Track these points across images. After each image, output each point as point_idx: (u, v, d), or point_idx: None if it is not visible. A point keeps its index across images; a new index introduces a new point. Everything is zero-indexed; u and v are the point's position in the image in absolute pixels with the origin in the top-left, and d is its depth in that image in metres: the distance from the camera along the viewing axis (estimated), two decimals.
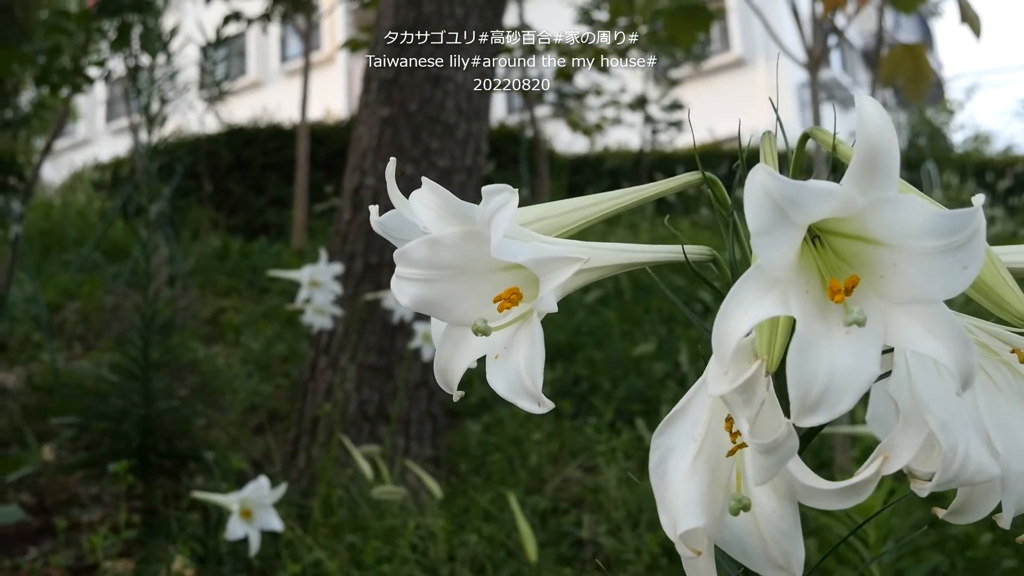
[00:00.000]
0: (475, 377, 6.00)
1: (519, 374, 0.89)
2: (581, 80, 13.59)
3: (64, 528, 3.67)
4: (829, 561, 2.96)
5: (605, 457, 4.58)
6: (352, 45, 10.40)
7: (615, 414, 5.47)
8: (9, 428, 5.12)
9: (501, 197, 0.88)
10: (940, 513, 0.88)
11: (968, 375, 0.75)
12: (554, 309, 0.89)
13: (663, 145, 14.39)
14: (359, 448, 3.92)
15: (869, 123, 0.76)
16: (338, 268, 4.12)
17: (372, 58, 5.30)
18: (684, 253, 1.03)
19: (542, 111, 14.63)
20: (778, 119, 1.09)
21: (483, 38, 5.19)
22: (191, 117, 11.90)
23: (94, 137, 30.63)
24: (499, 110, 23.27)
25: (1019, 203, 12.04)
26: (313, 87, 11.37)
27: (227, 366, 6.15)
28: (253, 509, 2.98)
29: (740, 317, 0.78)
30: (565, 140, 15.24)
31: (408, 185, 3.82)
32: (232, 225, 12.34)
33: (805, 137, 1.06)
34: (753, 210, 0.75)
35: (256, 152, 13.52)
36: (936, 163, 12.27)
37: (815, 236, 0.85)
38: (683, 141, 14.22)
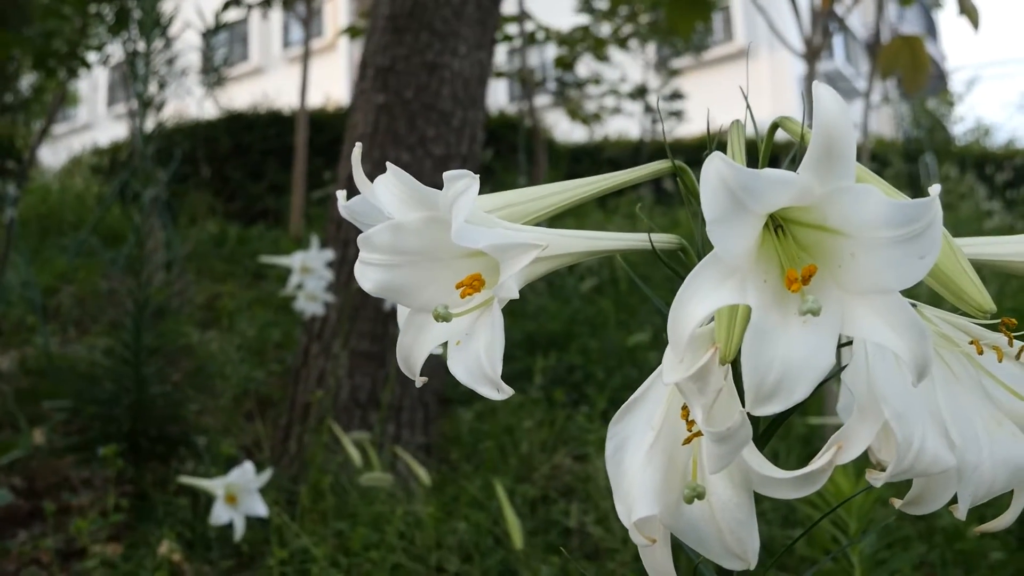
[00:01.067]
0: None
1: (479, 360, 0.89)
2: (582, 69, 13.56)
3: (53, 512, 3.66)
4: (814, 552, 2.97)
5: (595, 446, 4.58)
6: (352, 32, 10.39)
7: (608, 403, 5.47)
8: (1, 411, 5.12)
9: (462, 183, 0.88)
10: (897, 503, 0.88)
11: (923, 366, 0.75)
12: (515, 295, 0.88)
13: (662, 135, 14.33)
14: (349, 435, 3.92)
15: (825, 112, 0.76)
16: (329, 255, 4.13)
17: (368, 44, 5.28)
18: (651, 241, 1.03)
19: (542, 100, 14.60)
20: (748, 108, 1.08)
21: (480, 26, 5.18)
22: (190, 102, 11.88)
23: (95, 122, 30.60)
24: (500, 98, 23.28)
25: (1018, 196, 12.03)
26: (315, 74, 11.37)
27: (221, 351, 6.14)
28: (238, 494, 2.99)
29: (695, 305, 0.78)
30: (565, 129, 15.22)
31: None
32: (230, 211, 12.34)
33: (775, 127, 1.06)
34: (708, 198, 0.75)
35: (255, 138, 13.50)
36: (936, 155, 12.25)
37: (778, 225, 0.85)
38: (684, 131, 14.18)
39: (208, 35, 10.30)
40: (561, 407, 5.36)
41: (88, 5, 6.23)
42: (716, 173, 0.75)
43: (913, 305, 0.95)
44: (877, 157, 13.55)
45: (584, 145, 15.89)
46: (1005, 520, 0.93)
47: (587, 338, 6.69)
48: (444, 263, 0.97)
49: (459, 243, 0.87)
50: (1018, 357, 0.90)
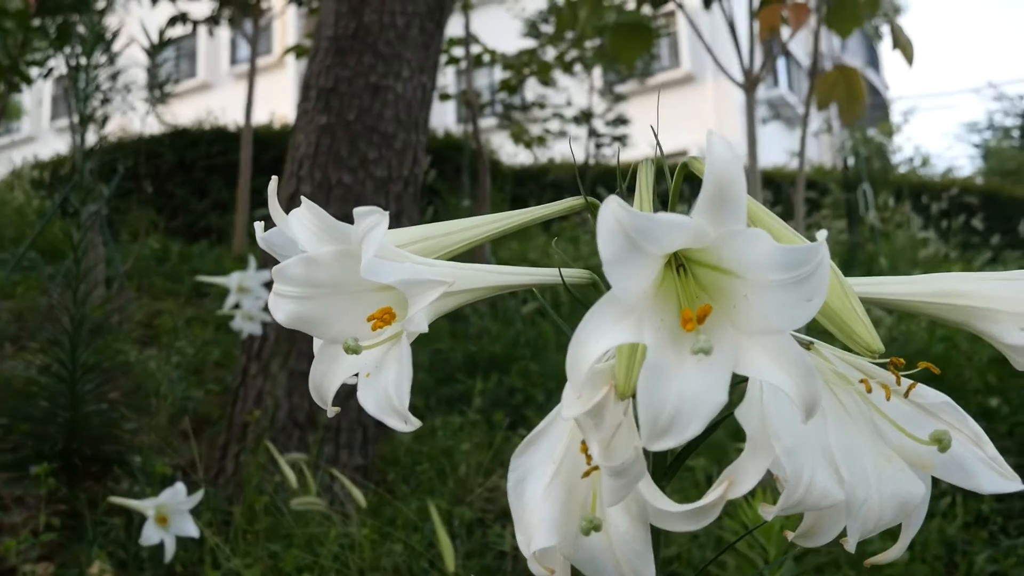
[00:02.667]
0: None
1: (387, 393, 0.91)
2: (528, 93, 13.62)
3: None
4: None
5: None
6: (298, 51, 10.39)
7: None
8: None
9: (372, 219, 0.90)
10: (790, 535, 0.91)
11: (811, 404, 0.78)
12: (423, 330, 0.90)
13: (608, 159, 14.49)
14: (286, 456, 3.91)
15: (716, 160, 0.79)
16: (267, 275, 4.12)
17: (311, 65, 5.29)
18: (561, 277, 1.05)
19: (488, 122, 14.64)
20: (658, 144, 1.11)
21: (423, 49, 5.21)
22: (135, 118, 11.80)
23: (39, 135, 30.32)
24: (448, 119, 23.30)
25: (954, 226, 12.22)
26: (263, 91, 11.34)
27: (159, 370, 6.10)
28: (169, 515, 2.97)
29: (593, 344, 0.80)
30: (510, 152, 15.28)
31: (345, 194, 3.88)
32: (173, 228, 12.25)
33: (684, 167, 1.09)
34: (604, 240, 0.78)
35: (200, 155, 13.44)
36: (873, 184, 12.42)
37: (680, 264, 0.88)
38: (628, 155, 14.29)
39: (153, 51, 10.24)
40: (500, 429, 5.37)
41: (31, 19, 6.19)
42: (612, 216, 0.77)
43: (811, 343, 0.99)
44: (816, 185, 13.73)
45: (529, 168, 15.95)
46: (894, 553, 0.96)
47: (528, 361, 6.71)
48: (356, 296, 0.98)
49: (368, 278, 0.88)
50: (906, 395, 0.93)
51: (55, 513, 4.08)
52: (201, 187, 13.13)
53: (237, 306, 4.10)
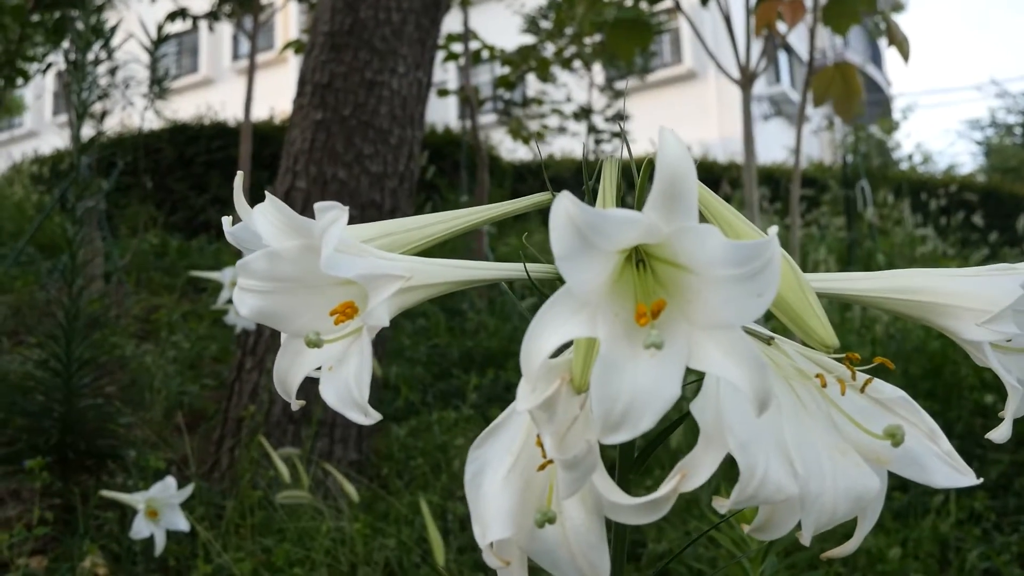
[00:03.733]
0: (402, 383, 6.01)
1: (348, 386, 0.92)
2: (530, 89, 13.60)
3: None
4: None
5: None
6: (297, 47, 10.37)
7: None
8: None
9: (332, 214, 0.91)
10: (746, 529, 0.91)
11: (763, 399, 0.78)
12: (384, 323, 0.91)
13: (607, 155, 14.42)
14: (280, 451, 3.92)
15: (667, 155, 0.79)
16: None
17: (307, 61, 5.30)
18: (527, 271, 1.06)
19: (489, 119, 14.64)
20: (624, 141, 1.12)
21: (419, 45, 5.21)
22: (134, 113, 11.81)
23: (40, 130, 30.34)
24: (450, 115, 23.30)
25: (953, 223, 12.21)
26: (264, 87, 11.34)
27: (155, 364, 6.11)
28: (159, 509, 2.98)
29: (547, 337, 0.81)
30: (510, 147, 15.29)
31: (340, 189, 3.87)
32: (172, 223, 12.26)
33: (650, 163, 1.09)
34: (557, 235, 0.78)
35: (199, 150, 13.44)
36: (872, 181, 12.41)
37: (640, 259, 0.88)
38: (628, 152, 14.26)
39: (153, 46, 10.24)
40: None
41: (29, 15, 6.20)
42: (564, 212, 0.78)
43: (772, 339, 0.99)
44: (816, 182, 13.72)
45: (528, 163, 15.95)
46: (849, 547, 0.97)
47: None
48: (319, 291, 0.99)
49: (327, 272, 0.89)
50: (862, 390, 0.94)
51: (49, 507, 4.09)
52: (200, 182, 13.13)
53: (231, 301, 4.11)
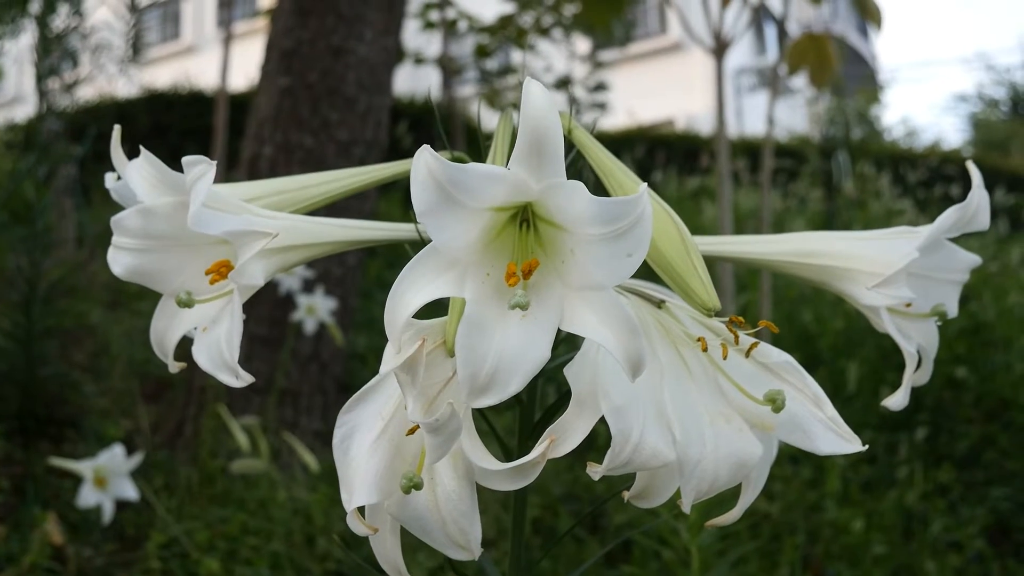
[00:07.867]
0: (369, 353, 5.98)
1: (219, 347, 0.89)
2: (515, 59, 13.51)
3: None
4: (652, 543, 2.97)
5: (489, 436, 4.59)
6: (271, 14, 10.28)
7: None
8: None
9: (199, 168, 0.88)
10: (626, 496, 0.89)
11: (635, 362, 0.76)
12: (256, 282, 0.88)
13: (587, 126, 14.38)
14: (240, 420, 3.89)
15: (532, 108, 0.76)
16: None
17: (273, 26, 5.24)
18: (418, 232, 1.03)
19: (467, 88, 14.55)
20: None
21: (387, 11, 5.15)
22: (111, 80, 11.71)
23: (23, 96, 30.08)
24: (435, 85, 23.17)
25: (929, 196, 12.18)
26: (246, 54, 11.18)
27: (123, 333, 6.06)
28: (108, 477, 2.95)
29: (411, 297, 0.78)
30: (489, 117, 15.21)
31: (306, 157, 3.82)
32: None
33: (508, 118, 1.07)
34: (417, 190, 0.75)
35: (175, 118, 13.35)
36: (852, 154, 12.36)
37: (526, 219, 0.85)
38: (608, 123, 14.21)
39: (131, 11, 10.13)
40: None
41: None
42: (425, 166, 0.75)
43: (663, 302, 0.96)
44: (795, 153, 13.66)
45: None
46: (731, 516, 0.94)
47: None
48: (195, 249, 0.96)
49: (194, 228, 0.86)
50: (747, 354, 0.91)
51: (9, 476, 4.06)
52: (176, 150, 13.00)
53: None
